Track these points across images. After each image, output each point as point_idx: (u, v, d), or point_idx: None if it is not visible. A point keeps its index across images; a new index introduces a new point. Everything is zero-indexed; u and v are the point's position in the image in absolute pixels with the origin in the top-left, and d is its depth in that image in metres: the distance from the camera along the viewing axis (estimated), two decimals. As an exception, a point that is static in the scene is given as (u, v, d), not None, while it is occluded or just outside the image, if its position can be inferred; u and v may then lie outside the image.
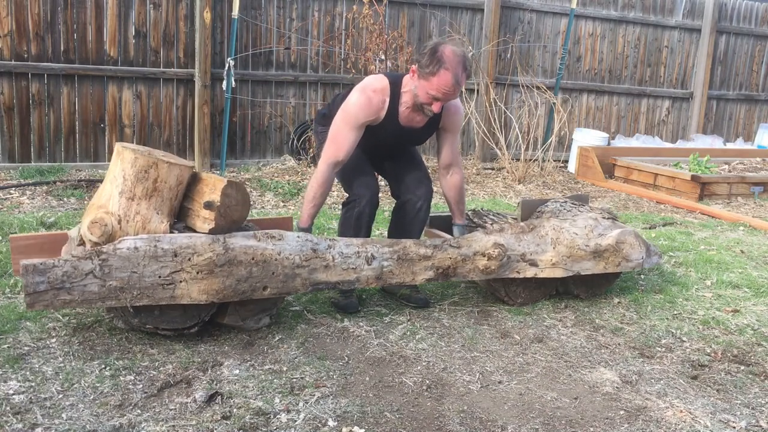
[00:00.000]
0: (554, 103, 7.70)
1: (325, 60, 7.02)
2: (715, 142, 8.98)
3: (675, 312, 3.44)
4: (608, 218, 3.48)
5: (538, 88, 7.61)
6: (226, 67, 6.35)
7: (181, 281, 2.62)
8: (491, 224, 3.44)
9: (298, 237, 2.85)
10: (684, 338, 3.13)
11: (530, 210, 3.61)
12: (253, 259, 2.72)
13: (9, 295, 3.17)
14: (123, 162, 2.63)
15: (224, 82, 6.38)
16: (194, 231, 2.74)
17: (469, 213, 3.68)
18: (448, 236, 3.37)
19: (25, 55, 5.88)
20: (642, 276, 3.97)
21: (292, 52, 6.87)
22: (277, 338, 2.88)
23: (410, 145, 3.42)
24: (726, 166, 7.59)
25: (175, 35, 6.37)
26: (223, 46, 6.52)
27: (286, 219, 3.26)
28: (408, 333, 3.03)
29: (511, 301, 3.39)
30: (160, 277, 2.59)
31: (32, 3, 5.83)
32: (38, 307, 2.49)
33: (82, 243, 2.64)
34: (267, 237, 2.78)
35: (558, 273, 3.28)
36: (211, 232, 2.69)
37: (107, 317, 2.92)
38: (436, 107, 3.05)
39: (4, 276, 3.38)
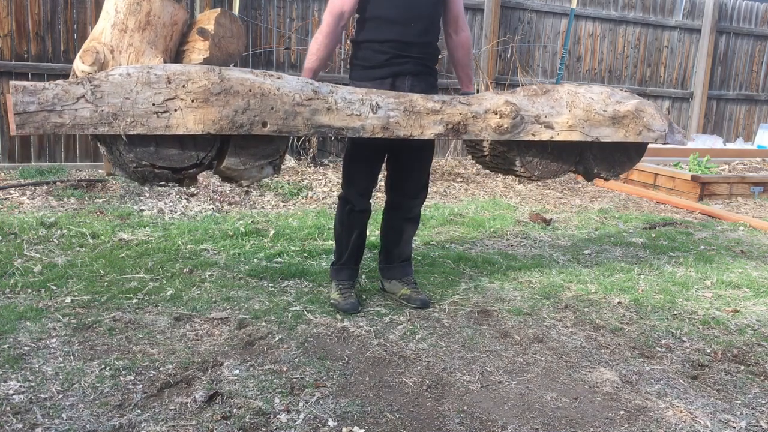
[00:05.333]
0: (554, 103, 7.70)
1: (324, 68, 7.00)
2: (715, 143, 8.98)
3: (675, 312, 3.44)
4: (625, 91, 3.39)
5: (538, 88, 7.61)
6: (226, 67, 6.35)
7: (175, 109, 2.55)
8: None
9: (298, 78, 2.78)
10: (684, 338, 3.13)
11: None
12: (250, 90, 2.64)
13: (9, 295, 3.17)
14: None
15: (224, 82, 6.37)
16: None
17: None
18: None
19: (25, 55, 5.88)
20: (642, 276, 3.97)
21: (292, 52, 6.87)
22: (277, 338, 2.89)
23: (421, 8, 3.13)
24: (726, 166, 7.59)
25: (175, 35, 6.37)
26: (223, 46, 6.52)
27: None
28: (408, 333, 3.03)
29: (527, 173, 3.28)
30: (153, 104, 2.52)
31: (32, 3, 5.83)
32: (28, 130, 2.41)
33: (75, 77, 2.59)
34: (265, 74, 2.71)
35: (575, 136, 3.16)
36: (206, 62, 2.66)
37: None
38: None
39: (4, 276, 3.38)
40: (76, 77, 2.58)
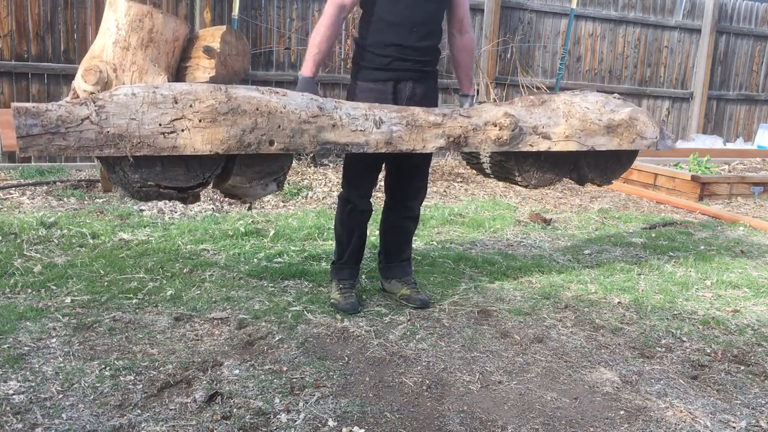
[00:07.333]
0: (554, 103, 7.71)
1: (326, 60, 7.01)
2: (715, 143, 8.98)
3: (675, 312, 3.44)
4: (618, 98, 3.45)
5: (538, 88, 7.62)
6: (226, 67, 6.34)
7: (182, 130, 2.50)
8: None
9: (303, 95, 2.78)
10: (684, 338, 3.13)
11: None
12: (257, 109, 2.61)
13: (9, 295, 3.17)
14: (116, 12, 2.58)
15: (224, 82, 6.37)
16: None
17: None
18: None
19: (25, 55, 5.88)
20: (642, 276, 3.97)
21: (292, 53, 6.87)
22: (277, 338, 2.89)
23: (425, 13, 3.13)
24: (726, 166, 7.59)
25: (175, 35, 6.37)
26: (223, 46, 6.52)
27: None
28: (408, 333, 3.03)
29: (525, 182, 3.34)
30: (160, 125, 2.47)
31: (32, 3, 5.83)
32: (32, 152, 2.34)
33: (76, 97, 2.54)
34: (270, 91, 2.70)
35: (572, 146, 3.21)
36: (212, 80, 2.62)
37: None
38: None
39: (4, 276, 3.38)
40: (77, 96, 2.53)
